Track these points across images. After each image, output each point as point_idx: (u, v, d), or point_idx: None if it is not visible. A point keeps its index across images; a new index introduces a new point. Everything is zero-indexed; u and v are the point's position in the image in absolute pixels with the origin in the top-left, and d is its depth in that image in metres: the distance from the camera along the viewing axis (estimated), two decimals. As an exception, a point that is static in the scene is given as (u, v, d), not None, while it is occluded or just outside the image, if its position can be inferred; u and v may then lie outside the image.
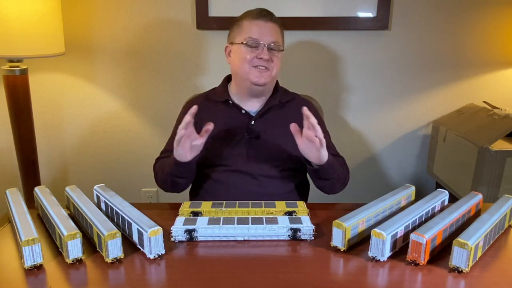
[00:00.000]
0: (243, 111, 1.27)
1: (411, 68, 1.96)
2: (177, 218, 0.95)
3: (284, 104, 1.31)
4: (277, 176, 1.25)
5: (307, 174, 1.35)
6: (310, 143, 1.06)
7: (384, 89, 1.99)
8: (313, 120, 1.01)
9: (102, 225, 0.84)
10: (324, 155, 1.09)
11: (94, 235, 0.86)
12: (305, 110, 1.02)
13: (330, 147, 1.34)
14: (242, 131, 1.26)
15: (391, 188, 1.07)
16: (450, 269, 0.79)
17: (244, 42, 1.21)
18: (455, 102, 1.99)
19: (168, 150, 1.35)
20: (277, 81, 1.35)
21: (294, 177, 1.28)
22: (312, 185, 1.37)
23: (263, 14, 1.22)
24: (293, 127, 1.08)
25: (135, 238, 0.87)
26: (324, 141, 1.05)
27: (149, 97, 2.00)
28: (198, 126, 1.28)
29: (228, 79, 1.36)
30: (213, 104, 1.31)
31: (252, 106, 1.29)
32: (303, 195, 1.33)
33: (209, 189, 1.26)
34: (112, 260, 0.82)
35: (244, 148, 1.24)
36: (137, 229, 0.85)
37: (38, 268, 0.80)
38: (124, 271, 0.80)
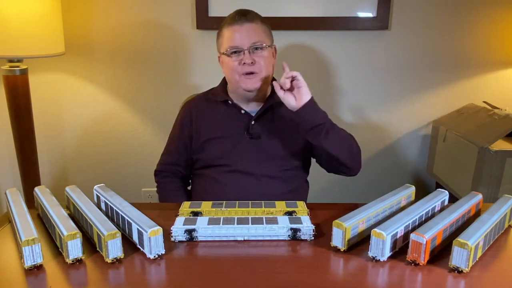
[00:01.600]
0: (242, 111, 1.27)
1: (411, 68, 1.96)
2: (177, 218, 0.95)
3: (283, 103, 1.30)
4: (278, 176, 1.24)
5: (307, 177, 1.36)
6: (288, 92, 1.14)
7: (384, 89, 1.99)
8: (286, 67, 1.13)
9: (102, 225, 0.83)
10: (305, 93, 1.12)
11: (94, 235, 0.86)
12: (284, 63, 1.14)
13: None
14: (243, 131, 1.25)
15: (391, 188, 1.07)
16: (450, 269, 0.79)
17: (226, 52, 1.21)
18: (455, 102, 1.99)
19: (168, 153, 1.34)
20: (276, 80, 1.34)
21: (294, 177, 1.28)
22: (311, 187, 1.37)
23: (237, 18, 1.19)
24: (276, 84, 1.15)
25: (135, 238, 0.87)
26: (294, 73, 1.12)
27: (149, 97, 2.00)
28: (198, 127, 1.29)
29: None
30: (213, 104, 1.31)
31: (252, 106, 1.29)
32: (302, 197, 1.33)
33: (209, 189, 1.26)
34: (112, 260, 0.82)
35: (244, 148, 1.24)
36: (137, 229, 0.85)
37: (38, 268, 0.80)
38: (124, 271, 0.79)
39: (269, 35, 1.25)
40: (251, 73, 1.20)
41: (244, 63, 1.18)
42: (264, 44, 1.21)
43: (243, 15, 1.20)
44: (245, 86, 1.21)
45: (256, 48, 1.19)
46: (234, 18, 1.20)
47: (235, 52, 1.19)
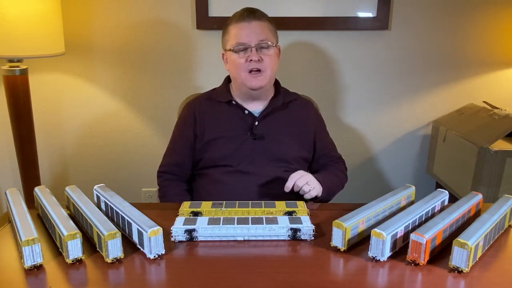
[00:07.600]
0: (246, 112, 1.27)
1: (411, 68, 1.96)
2: (177, 218, 0.95)
3: (287, 104, 1.31)
4: (280, 177, 1.24)
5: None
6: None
7: (384, 89, 1.99)
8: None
9: (102, 225, 0.84)
10: (316, 190, 1.15)
11: (94, 235, 0.86)
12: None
13: (330, 148, 1.35)
14: (246, 131, 1.25)
15: (391, 188, 1.07)
16: (450, 269, 0.79)
17: (232, 49, 1.21)
18: (455, 102, 1.99)
19: (172, 154, 1.33)
20: (278, 82, 1.35)
21: None
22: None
23: (246, 15, 1.21)
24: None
25: (135, 238, 0.87)
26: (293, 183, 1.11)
27: (149, 97, 2.00)
28: (202, 127, 1.28)
29: (229, 79, 1.35)
30: (216, 105, 1.30)
31: (255, 106, 1.29)
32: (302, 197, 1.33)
33: (211, 189, 1.26)
34: (112, 260, 0.82)
35: (248, 149, 1.24)
36: (137, 229, 0.85)
37: (38, 268, 0.80)
38: (124, 271, 0.79)
39: (274, 34, 1.26)
40: (258, 70, 1.20)
41: (251, 60, 1.18)
42: (271, 43, 1.22)
43: (252, 13, 1.21)
44: (251, 84, 1.21)
45: (263, 47, 1.20)
46: (242, 16, 1.21)
47: (241, 49, 1.20)
